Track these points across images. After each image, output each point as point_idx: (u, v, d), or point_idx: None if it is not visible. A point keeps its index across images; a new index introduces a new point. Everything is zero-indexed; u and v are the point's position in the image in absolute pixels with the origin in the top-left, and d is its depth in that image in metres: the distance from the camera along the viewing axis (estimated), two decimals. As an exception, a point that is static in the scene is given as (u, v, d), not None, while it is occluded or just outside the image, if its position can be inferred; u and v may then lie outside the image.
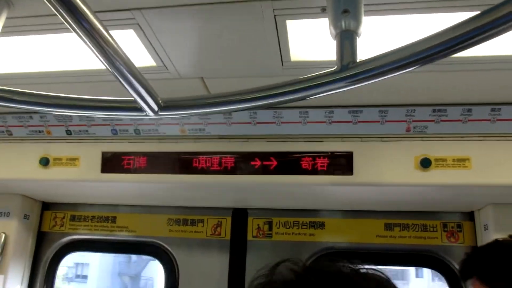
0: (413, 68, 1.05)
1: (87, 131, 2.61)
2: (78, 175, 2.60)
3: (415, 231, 2.90)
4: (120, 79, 1.20)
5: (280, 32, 1.61)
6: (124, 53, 1.15)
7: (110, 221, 3.25)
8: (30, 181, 2.72)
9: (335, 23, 1.17)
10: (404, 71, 1.06)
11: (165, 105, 1.32)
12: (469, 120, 2.24)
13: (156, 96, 1.30)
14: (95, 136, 2.63)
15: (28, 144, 2.70)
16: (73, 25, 1.02)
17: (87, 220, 3.28)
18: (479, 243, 2.76)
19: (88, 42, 1.07)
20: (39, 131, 2.66)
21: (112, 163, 2.58)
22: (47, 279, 3.22)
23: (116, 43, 1.12)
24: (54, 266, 3.26)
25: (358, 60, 1.11)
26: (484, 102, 2.20)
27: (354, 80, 1.10)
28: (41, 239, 3.26)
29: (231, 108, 1.31)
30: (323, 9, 1.47)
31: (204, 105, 1.31)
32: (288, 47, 1.71)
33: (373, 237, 2.92)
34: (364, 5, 1.14)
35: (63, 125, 2.61)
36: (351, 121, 2.32)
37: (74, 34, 1.06)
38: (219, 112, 1.49)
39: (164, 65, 1.89)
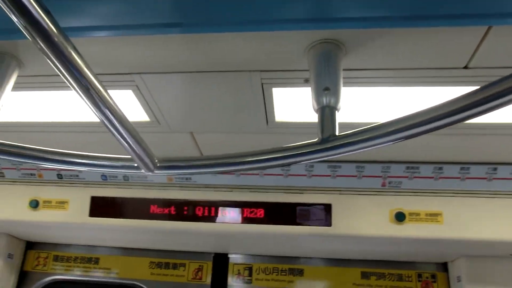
0: (387, 144, 1.18)
1: (77, 175, 2.70)
2: (66, 218, 2.67)
3: (391, 281, 3.00)
4: (119, 138, 1.27)
5: (266, 96, 1.76)
6: (124, 115, 1.21)
7: (93, 262, 3.28)
8: (18, 222, 2.77)
9: (317, 99, 1.33)
10: (380, 146, 1.19)
11: (161, 165, 1.42)
12: (440, 178, 2.39)
13: (152, 155, 1.39)
14: (85, 181, 2.72)
15: (20, 186, 2.78)
16: (77, 89, 1.03)
17: (70, 260, 3.31)
18: (453, 294, 2.87)
19: (92, 108, 1.11)
20: (31, 174, 2.74)
21: (100, 207, 2.66)
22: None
23: (118, 107, 1.17)
24: (35, 306, 3.25)
25: (337, 134, 1.25)
26: (454, 161, 2.36)
27: (333, 152, 1.23)
28: (22, 279, 3.26)
29: (222, 170, 1.42)
30: (306, 80, 1.62)
31: (197, 166, 1.42)
32: (273, 109, 1.86)
33: (350, 285, 3.00)
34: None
35: (54, 169, 2.69)
36: (330, 175, 2.46)
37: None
38: (211, 173, 1.60)
39: (157, 120, 2.01)
